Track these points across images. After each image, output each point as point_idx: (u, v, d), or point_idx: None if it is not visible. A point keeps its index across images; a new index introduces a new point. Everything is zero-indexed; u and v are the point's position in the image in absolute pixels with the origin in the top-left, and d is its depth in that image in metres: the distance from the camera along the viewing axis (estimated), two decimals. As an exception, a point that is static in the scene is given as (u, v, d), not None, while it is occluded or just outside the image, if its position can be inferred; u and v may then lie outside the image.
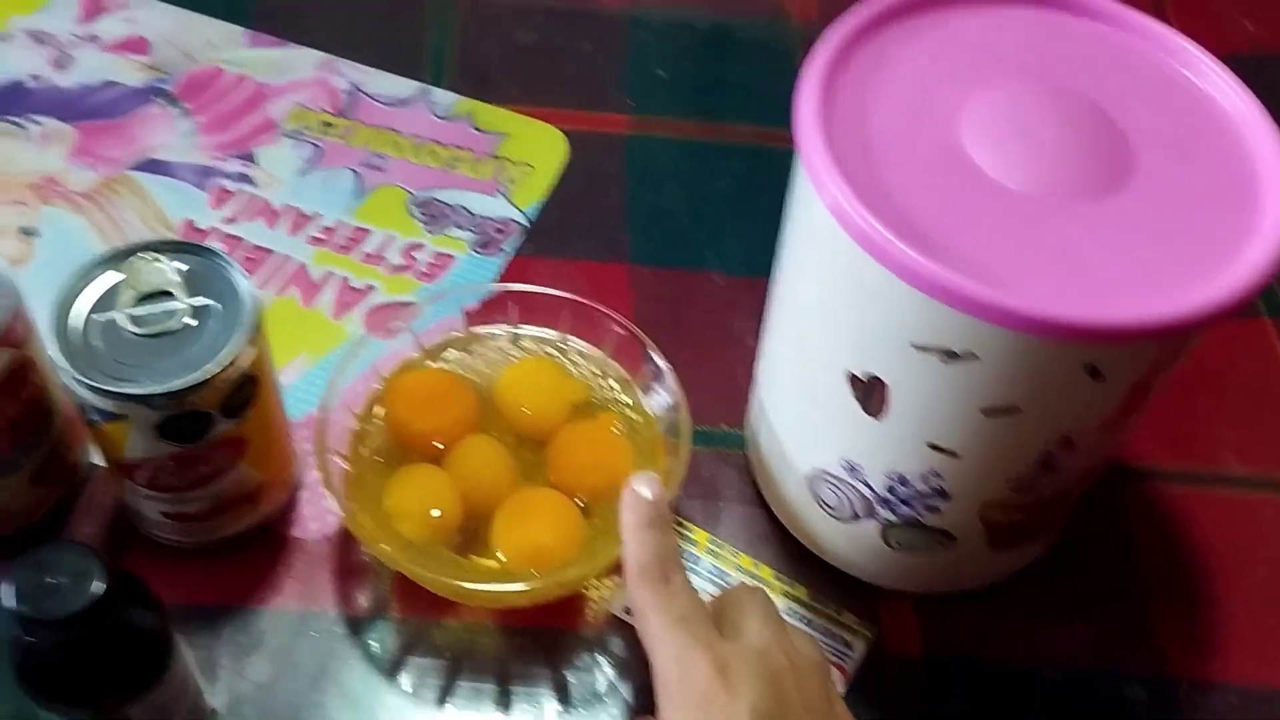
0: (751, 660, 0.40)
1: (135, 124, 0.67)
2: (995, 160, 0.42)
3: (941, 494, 0.47)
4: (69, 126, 0.67)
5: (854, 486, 0.48)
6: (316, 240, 0.63)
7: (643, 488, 0.44)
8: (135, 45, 0.71)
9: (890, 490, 0.48)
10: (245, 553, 0.53)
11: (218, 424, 0.46)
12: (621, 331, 0.53)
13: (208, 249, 0.48)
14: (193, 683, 0.45)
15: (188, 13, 0.72)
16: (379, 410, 0.53)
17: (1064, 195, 0.41)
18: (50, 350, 0.45)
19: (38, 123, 0.67)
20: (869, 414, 0.45)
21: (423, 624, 0.52)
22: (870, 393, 0.44)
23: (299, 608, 0.52)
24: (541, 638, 0.51)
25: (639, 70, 0.73)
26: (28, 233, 0.62)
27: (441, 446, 0.52)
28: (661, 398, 0.53)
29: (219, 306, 0.46)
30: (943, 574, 0.52)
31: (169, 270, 0.47)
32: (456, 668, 0.51)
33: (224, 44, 0.71)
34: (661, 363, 0.52)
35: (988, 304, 0.38)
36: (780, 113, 0.72)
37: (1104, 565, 0.56)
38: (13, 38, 0.70)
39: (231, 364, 0.45)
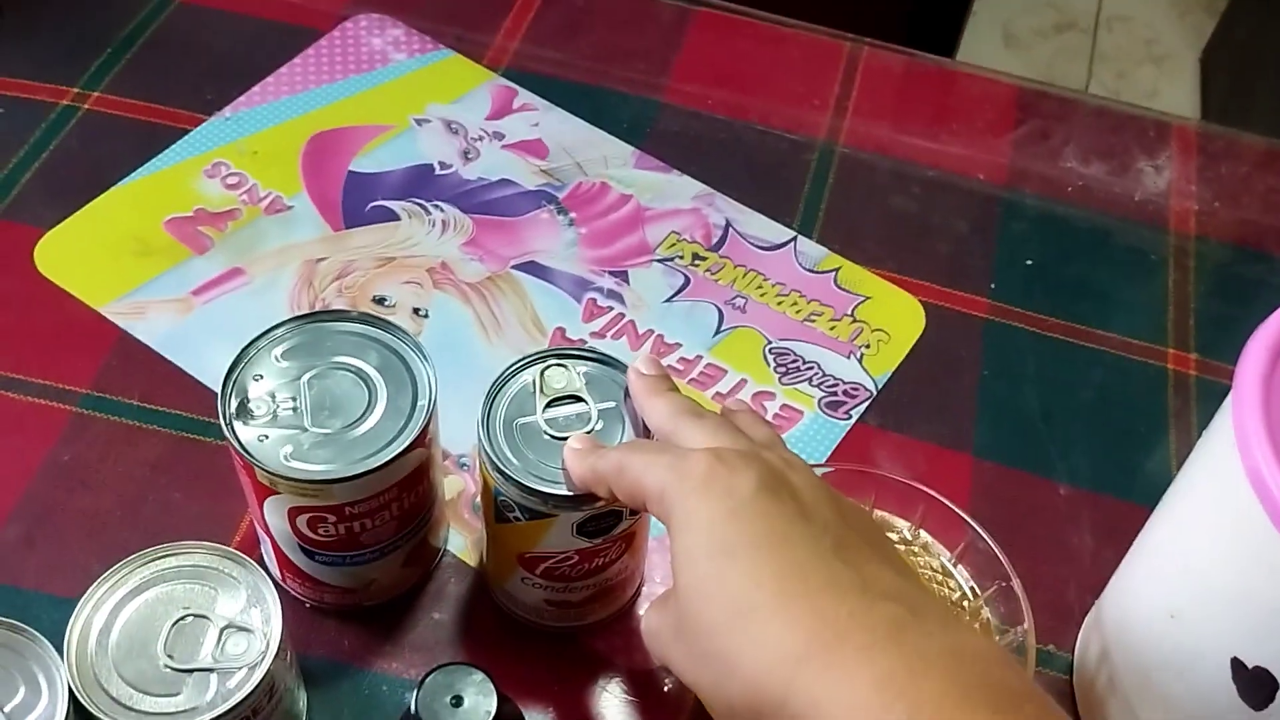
0: (746, 452, 0.41)
1: (524, 225, 0.72)
2: None
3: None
4: (467, 217, 0.72)
5: (1204, 761, 0.47)
6: (674, 371, 0.66)
7: (641, 364, 0.48)
8: (535, 148, 0.76)
9: (1245, 778, 0.46)
10: (576, 658, 0.55)
11: (624, 520, 0.50)
12: (981, 546, 0.53)
13: (610, 357, 0.51)
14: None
15: (587, 125, 0.77)
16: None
17: None
18: (485, 453, 0.48)
19: (440, 209, 0.72)
20: (1247, 703, 0.44)
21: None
22: (1256, 685, 0.43)
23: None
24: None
25: (1006, 254, 0.73)
26: (419, 313, 0.67)
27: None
28: (1004, 613, 0.53)
29: (622, 411, 0.49)
30: None
31: (576, 376, 0.50)
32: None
33: (615, 161, 0.75)
34: (1018, 587, 0.52)
35: None
36: (1148, 327, 0.72)
37: None
38: (430, 123, 0.76)
39: None
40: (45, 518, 0.58)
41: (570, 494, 0.47)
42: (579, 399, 0.50)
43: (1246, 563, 0.42)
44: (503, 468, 0.48)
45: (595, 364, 0.51)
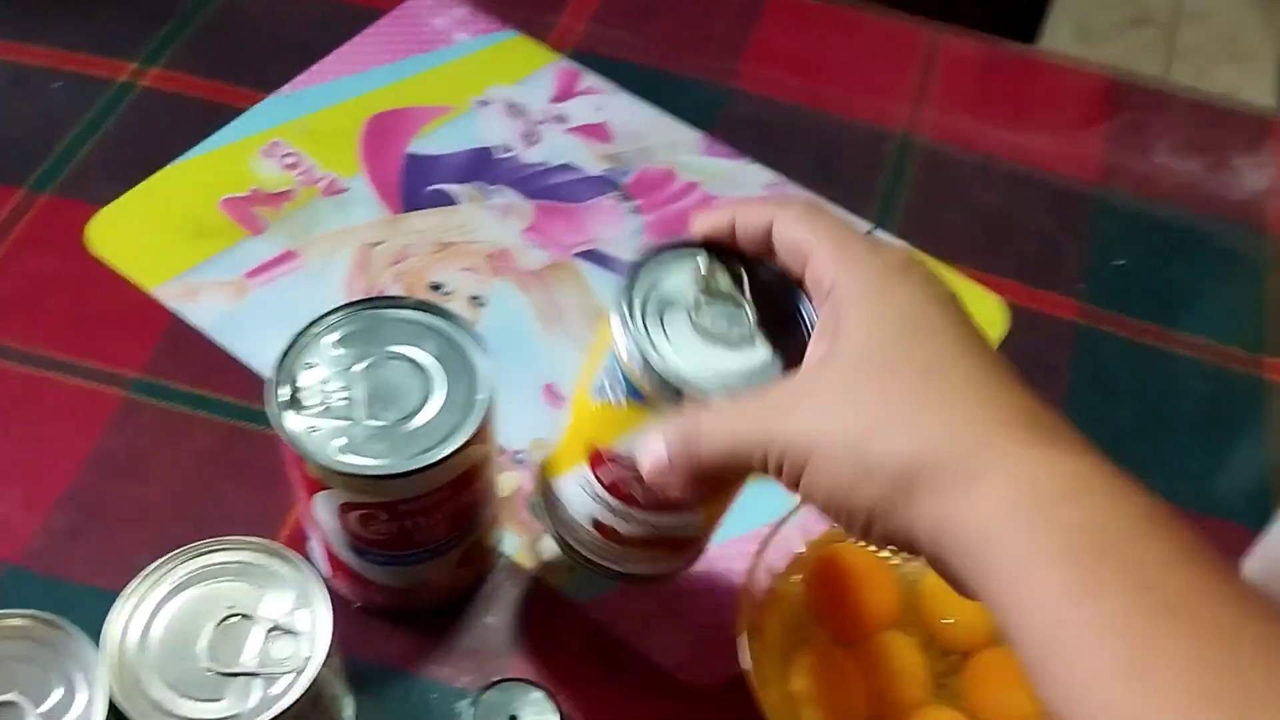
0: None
1: (587, 212, 0.69)
2: None
3: None
4: (528, 203, 0.69)
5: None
6: (743, 368, 0.63)
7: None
8: (599, 132, 0.73)
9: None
10: (633, 664, 0.52)
11: None
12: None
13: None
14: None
15: (654, 110, 0.74)
16: (796, 578, 0.52)
17: None
18: (622, 313, 0.42)
19: (500, 193, 0.69)
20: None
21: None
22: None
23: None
24: None
25: (1097, 255, 0.69)
26: (476, 301, 0.65)
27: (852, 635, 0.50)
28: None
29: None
30: None
31: (741, 281, 0.43)
32: None
33: (682, 147, 0.72)
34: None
35: None
36: (1245, 335, 0.68)
37: None
38: (491, 105, 0.74)
39: None
40: (92, 508, 0.56)
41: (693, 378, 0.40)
42: (738, 304, 0.43)
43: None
44: (638, 341, 0.41)
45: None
